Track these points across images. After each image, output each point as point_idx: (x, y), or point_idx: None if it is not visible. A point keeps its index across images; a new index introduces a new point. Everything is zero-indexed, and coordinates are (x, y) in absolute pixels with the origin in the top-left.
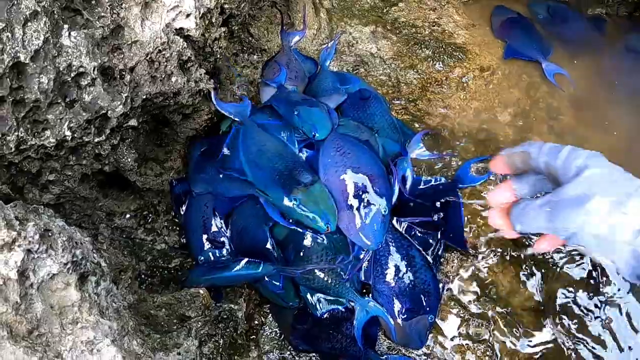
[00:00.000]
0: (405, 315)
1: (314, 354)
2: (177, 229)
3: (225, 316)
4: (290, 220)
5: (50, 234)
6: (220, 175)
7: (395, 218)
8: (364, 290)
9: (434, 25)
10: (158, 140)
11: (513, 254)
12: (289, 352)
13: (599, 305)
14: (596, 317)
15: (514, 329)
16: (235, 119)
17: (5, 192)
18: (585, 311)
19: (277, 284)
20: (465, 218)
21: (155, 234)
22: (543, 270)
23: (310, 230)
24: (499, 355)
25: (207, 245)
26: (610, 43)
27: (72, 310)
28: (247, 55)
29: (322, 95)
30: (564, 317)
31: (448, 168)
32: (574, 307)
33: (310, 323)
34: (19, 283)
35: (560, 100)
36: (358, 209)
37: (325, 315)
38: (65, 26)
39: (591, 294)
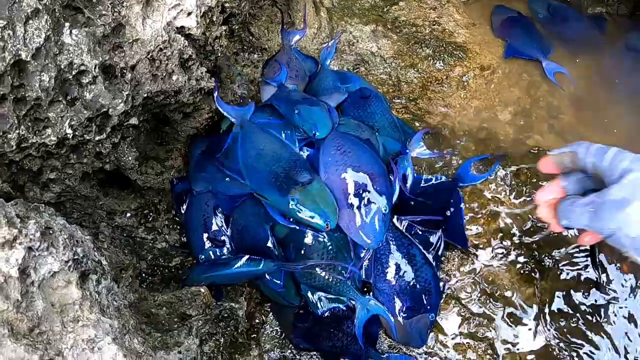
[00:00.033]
0: (406, 314)
1: (314, 353)
2: (178, 227)
3: (226, 315)
4: (291, 220)
5: (51, 232)
6: (221, 174)
7: (396, 217)
8: (365, 289)
9: (434, 24)
10: (159, 139)
11: (514, 252)
12: (289, 351)
13: (600, 306)
14: (597, 318)
15: (515, 328)
16: (234, 121)
17: (6, 191)
18: (586, 311)
19: (278, 282)
20: (466, 216)
21: (156, 232)
22: (544, 270)
23: (311, 229)
24: (499, 354)
25: (207, 244)
26: (610, 42)
27: (73, 309)
28: (248, 54)
29: (322, 94)
30: (565, 316)
31: (449, 167)
32: (575, 307)
33: (311, 321)
34: (20, 281)
35: (561, 99)
36: (359, 207)
37: (326, 314)
38: (67, 24)
39: (592, 295)
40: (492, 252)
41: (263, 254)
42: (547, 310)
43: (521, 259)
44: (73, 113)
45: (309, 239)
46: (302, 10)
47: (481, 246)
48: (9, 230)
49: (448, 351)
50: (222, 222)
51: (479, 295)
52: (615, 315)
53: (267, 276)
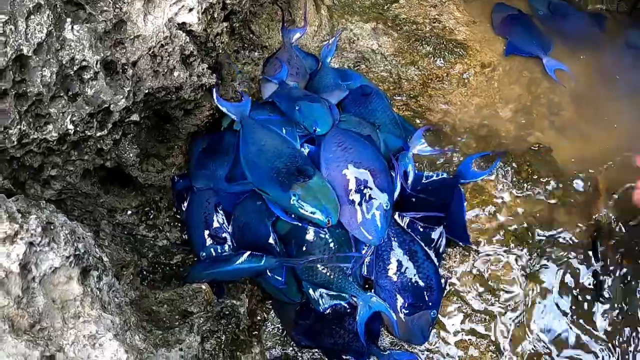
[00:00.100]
0: (408, 311)
1: (316, 350)
2: (179, 225)
3: (227, 312)
4: (292, 215)
5: (52, 227)
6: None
7: (397, 213)
8: (367, 286)
9: (434, 22)
10: (160, 136)
11: (516, 249)
12: (291, 348)
13: (602, 302)
14: (599, 314)
15: (517, 324)
16: (234, 118)
17: (7, 188)
18: (587, 308)
19: (280, 279)
20: (468, 213)
21: (157, 230)
22: (546, 266)
23: (312, 224)
24: (501, 350)
25: (208, 241)
26: (610, 39)
27: (74, 305)
28: (248, 52)
29: (323, 91)
30: (566, 313)
31: (450, 164)
32: (576, 303)
33: (313, 319)
34: (21, 276)
35: (562, 95)
36: (360, 203)
37: (327, 311)
38: (68, 20)
39: (594, 292)
40: (493, 248)
41: (264, 250)
42: (548, 307)
43: (523, 255)
44: (74, 109)
45: (310, 235)
46: (303, 8)
47: (483, 243)
48: (10, 225)
49: (450, 348)
50: (223, 219)
51: (480, 291)
52: (617, 312)
53: (268, 273)
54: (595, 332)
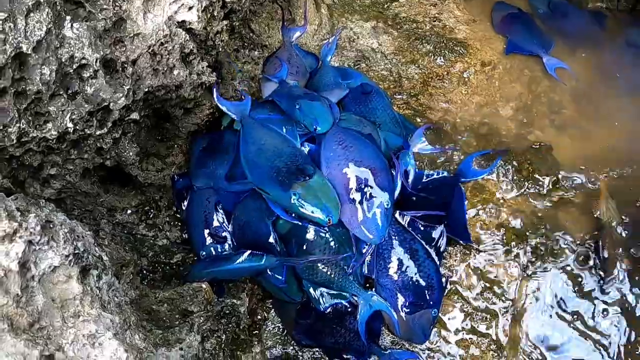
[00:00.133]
0: (409, 310)
1: (317, 349)
2: (179, 224)
3: (227, 311)
4: (293, 215)
5: (51, 226)
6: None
7: (398, 212)
8: (367, 285)
9: (434, 21)
10: (159, 135)
11: (516, 247)
12: (292, 348)
13: (603, 301)
14: (599, 313)
15: (518, 323)
16: (234, 117)
17: (7, 187)
18: (588, 306)
19: (280, 278)
20: (468, 212)
21: (157, 229)
22: (547, 265)
23: (312, 223)
24: (503, 349)
25: (209, 240)
26: (610, 38)
27: (74, 304)
28: (248, 51)
29: (323, 90)
30: (567, 312)
31: (450, 162)
32: (577, 302)
33: (314, 318)
34: (20, 275)
35: (562, 94)
36: (360, 202)
37: (328, 310)
38: (68, 18)
39: (595, 290)
40: (494, 247)
41: (265, 249)
42: (549, 305)
43: (523, 254)
44: (74, 107)
45: (311, 234)
46: (303, 7)
47: (483, 241)
48: (9, 224)
49: (451, 347)
50: (223, 218)
51: (481, 290)
52: (619, 311)
53: (269, 272)
54: (597, 331)
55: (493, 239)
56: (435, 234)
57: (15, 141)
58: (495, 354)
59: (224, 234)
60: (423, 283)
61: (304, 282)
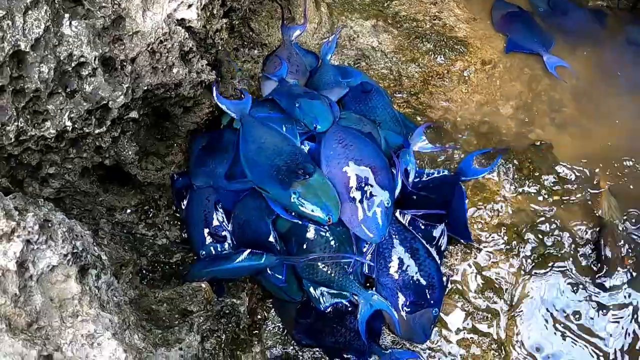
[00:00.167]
0: (410, 309)
1: (317, 349)
2: (179, 223)
3: (227, 311)
4: (293, 213)
5: (49, 225)
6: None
7: (398, 210)
8: (368, 284)
9: (434, 19)
10: (159, 134)
11: (517, 246)
12: (292, 347)
13: (604, 300)
14: (600, 312)
15: (519, 322)
16: (233, 116)
17: (5, 186)
18: (589, 305)
19: (280, 277)
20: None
21: (157, 229)
22: (548, 263)
23: (312, 222)
24: (504, 349)
25: (208, 240)
26: (611, 36)
27: (72, 303)
28: (248, 50)
29: (323, 88)
30: (568, 311)
31: (451, 161)
32: (578, 301)
33: (314, 317)
34: (18, 274)
35: (562, 92)
36: (361, 201)
37: (328, 309)
38: (66, 15)
39: (596, 290)
40: (495, 245)
41: (265, 248)
42: (550, 304)
43: (524, 253)
44: (72, 105)
45: (311, 233)
46: (303, 5)
47: (484, 240)
48: (7, 223)
49: (452, 346)
50: (223, 217)
51: (482, 289)
52: (620, 311)
53: (268, 271)
54: (598, 329)
55: (494, 237)
56: (436, 233)
57: (13, 140)
58: (497, 353)
59: (223, 233)
60: (424, 282)
61: (304, 282)
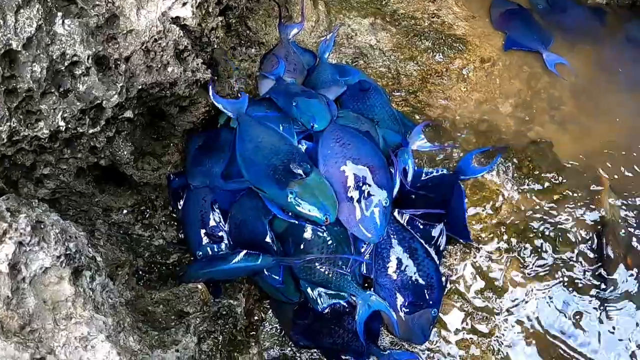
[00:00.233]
0: (408, 309)
1: (315, 350)
2: (175, 224)
3: (224, 312)
4: (290, 213)
5: (42, 226)
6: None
7: (396, 210)
8: (366, 284)
9: (433, 17)
10: (155, 134)
11: (517, 246)
12: (289, 349)
13: (605, 299)
14: (602, 311)
15: (519, 322)
16: (230, 115)
17: None
18: (589, 304)
19: (277, 278)
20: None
21: (153, 229)
22: (548, 263)
23: (310, 222)
24: (503, 350)
25: (205, 240)
26: (610, 34)
27: (66, 306)
28: (245, 48)
29: (321, 87)
30: (568, 311)
31: (450, 159)
32: (579, 300)
33: (311, 318)
34: (10, 277)
35: (562, 90)
36: (359, 200)
37: (326, 310)
38: (59, 14)
39: (594, 290)
40: (494, 245)
41: (261, 249)
42: (550, 304)
43: (524, 252)
44: (66, 105)
45: (308, 234)
46: (300, 3)
47: (484, 239)
48: None
49: (451, 347)
50: (219, 217)
51: (482, 289)
52: (618, 312)
53: (265, 272)
54: (599, 329)
55: (493, 237)
56: (435, 233)
57: (6, 140)
58: (496, 354)
59: (220, 233)
60: (422, 282)
61: (301, 282)
